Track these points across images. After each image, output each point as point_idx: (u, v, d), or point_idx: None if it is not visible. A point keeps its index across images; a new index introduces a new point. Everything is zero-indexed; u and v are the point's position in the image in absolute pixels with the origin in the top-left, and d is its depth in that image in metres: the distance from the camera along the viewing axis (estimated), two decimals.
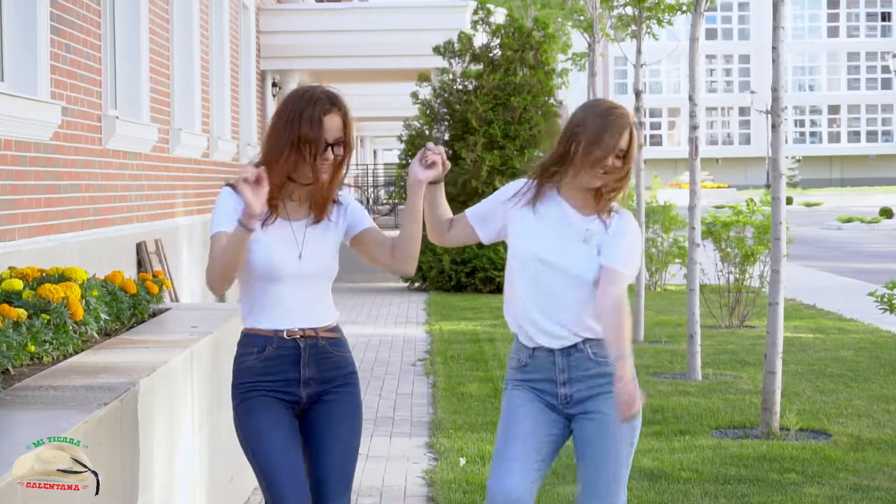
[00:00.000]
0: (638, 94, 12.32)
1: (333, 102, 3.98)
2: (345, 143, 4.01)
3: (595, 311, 4.08)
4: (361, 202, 25.51)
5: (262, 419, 4.00)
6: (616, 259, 4.08)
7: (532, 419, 4.13)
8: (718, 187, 69.12)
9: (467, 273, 17.97)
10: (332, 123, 3.96)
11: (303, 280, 4.06)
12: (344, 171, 4.07)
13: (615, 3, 13.73)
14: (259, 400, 4.02)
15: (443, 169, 4.08)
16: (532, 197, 4.17)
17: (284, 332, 4.03)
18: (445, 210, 4.30)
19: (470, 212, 4.29)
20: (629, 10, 13.12)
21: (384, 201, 26.61)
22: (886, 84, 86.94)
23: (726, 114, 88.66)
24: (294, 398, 4.06)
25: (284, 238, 4.03)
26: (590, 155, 4.06)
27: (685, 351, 10.38)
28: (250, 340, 4.05)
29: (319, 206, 4.07)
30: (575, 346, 4.11)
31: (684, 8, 12.04)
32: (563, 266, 4.10)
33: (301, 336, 4.04)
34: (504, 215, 4.21)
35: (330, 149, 3.97)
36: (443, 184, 4.23)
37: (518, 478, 4.04)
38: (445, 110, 18.62)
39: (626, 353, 3.92)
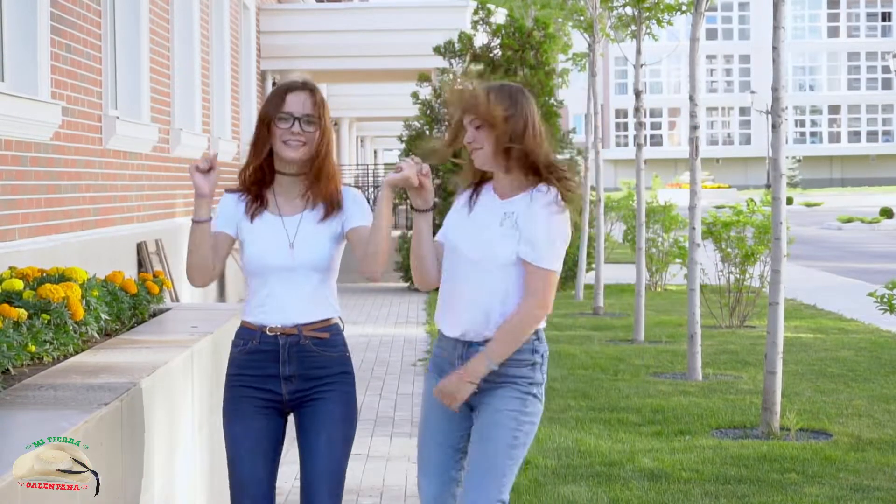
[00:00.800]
0: (638, 94, 12.32)
1: (302, 82, 4.09)
2: (320, 123, 4.05)
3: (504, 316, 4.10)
4: None
5: (235, 423, 4.13)
6: (532, 252, 4.08)
7: (445, 420, 4.22)
8: (719, 187, 69.13)
9: None
10: (296, 99, 4.04)
11: (295, 273, 4.08)
12: (323, 152, 4.08)
13: (615, 4, 13.73)
14: (240, 403, 4.12)
15: (423, 191, 4.06)
16: (469, 196, 4.24)
17: (267, 328, 4.09)
18: (430, 249, 4.24)
19: (439, 237, 4.28)
20: (629, 10, 13.11)
21: None
22: (887, 84, 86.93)
23: (726, 114, 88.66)
24: (275, 395, 4.10)
25: (274, 230, 4.09)
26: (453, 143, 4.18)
27: (685, 351, 10.38)
28: (240, 333, 4.18)
29: (315, 192, 4.10)
30: (474, 344, 4.14)
31: (684, 8, 12.03)
32: (468, 254, 4.12)
33: (281, 333, 4.08)
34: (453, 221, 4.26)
35: (296, 122, 4.02)
36: (431, 215, 4.17)
37: (436, 484, 4.22)
38: (445, 110, 18.61)
39: (491, 359, 4.04)
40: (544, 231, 4.07)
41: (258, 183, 4.12)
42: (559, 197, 4.07)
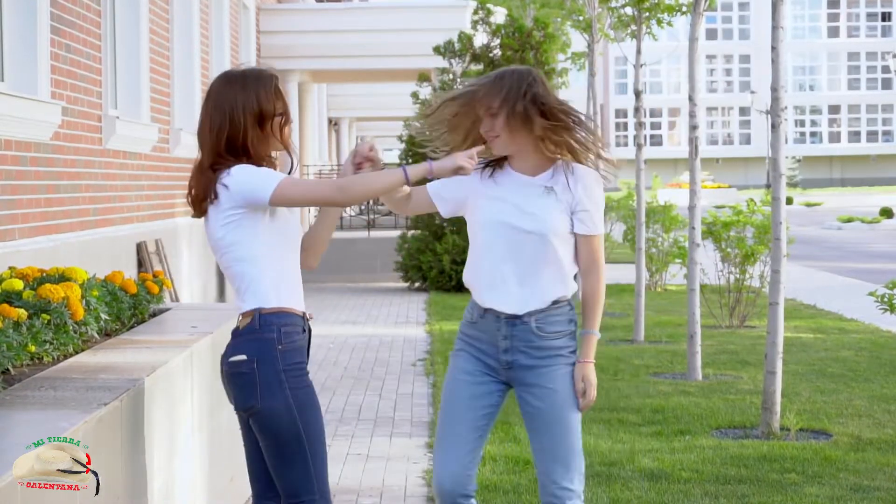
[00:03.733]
0: (638, 94, 12.32)
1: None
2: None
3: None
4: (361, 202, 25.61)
5: (320, 414, 4.01)
6: (586, 225, 4.31)
7: (469, 396, 4.31)
8: (719, 187, 69.12)
9: None
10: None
11: (298, 250, 4.11)
12: None
13: (614, 4, 13.73)
14: (313, 391, 4.01)
15: (374, 164, 4.16)
16: (491, 171, 4.32)
17: (307, 315, 4.06)
18: (402, 191, 4.38)
19: (430, 186, 4.40)
20: (629, 10, 13.11)
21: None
22: (886, 84, 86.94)
23: (726, 114, 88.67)
24: None
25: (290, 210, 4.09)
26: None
27: (685, 351, 10.38)
28: (292, 320, 3.98)
29: None
30: (520, 317, 4.23)
31: (684, 9, 12.03)
32: (521, 225, 4.23)
33: (310, 318, 4.10)
34: (464, 189, 4.33)
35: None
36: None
37: (457, 464, 4.27)
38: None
39: (596, 332, 4.22)
40: (595, 203, 4.32)
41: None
42: (599, 172, 4.33)
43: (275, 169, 4.03)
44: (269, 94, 4.01)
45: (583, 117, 4.28)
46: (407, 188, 4.33)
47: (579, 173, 4.27)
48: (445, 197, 4.35)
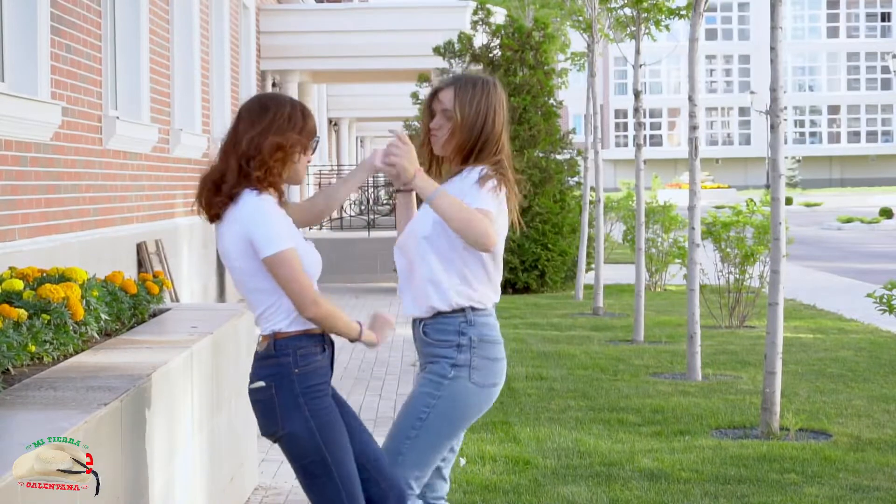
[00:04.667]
0: (637, 94, 12.32)
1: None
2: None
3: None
4: (362, 202, 25.58)
5: (343, 432, 4.06)
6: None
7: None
8: (718, 187, 69.10)
9: None
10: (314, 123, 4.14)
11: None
12: None
13: (613, 5, 13.73)
14: (334, 410, 4.05)
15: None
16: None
17: (329, 335, 4.10)
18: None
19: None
20: (627, 11, 13.12)
21: (384, 201, 26.59)
22: (886, 84, 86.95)
23: (726, 114, 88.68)
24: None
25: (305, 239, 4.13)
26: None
27: (685, 351, 10.38)
28: (311, 341, 4.00)
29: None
30: (420, 320, 4.33)
31: (682, 12, 12.03)
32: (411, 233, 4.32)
33: (331, 342, 4.14)
34: None
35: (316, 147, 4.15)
36: (414, 195, 4.41)
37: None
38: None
39: (435, 192, 4.14)
40: (471, 187, 4.23)
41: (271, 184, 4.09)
42: (486, 171, 4.27)
43: (280, 195, 4.05)
44: (297, 125, 4.03)
45: None
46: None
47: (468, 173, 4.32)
48: None
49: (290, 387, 3.94)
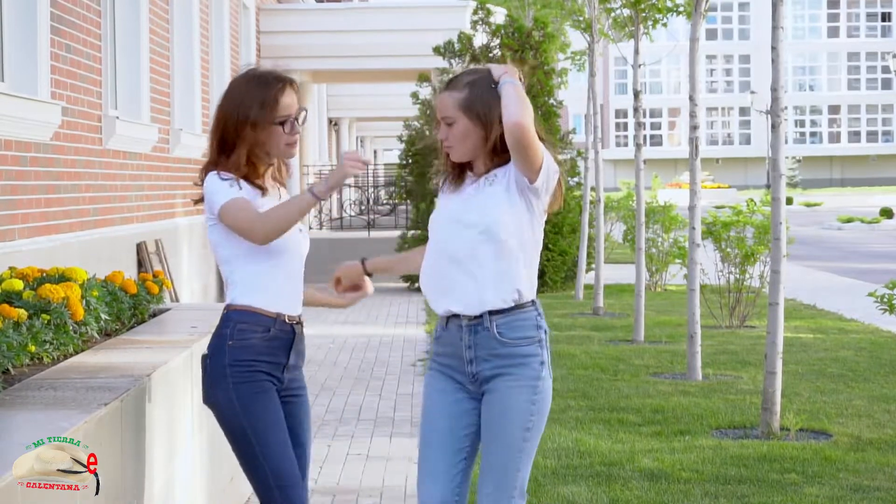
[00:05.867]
0: (637, 94, 12.32)
1: (290, 78, 4.19)
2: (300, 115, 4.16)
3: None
4: (361, 202, 25.59)
5: (270, 409, 4.02)
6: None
7: (446, 417, 4.06)
8: (718, 187, 69.10)
9: None
10: (290, 100, 4.11)
11: (300, 258, 4.16)
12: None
13: (612, 5, 13.73)
14: (266, 387, 4.03)
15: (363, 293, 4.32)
16: (451, 182, 4.13)
17: (286, 317, 4.08)
18: (409, 261, 4.40)
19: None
20: (626, 11, 13.11)
21: (384, 201, 26.59)
22: (886, 84, 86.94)
23: (726, 114, 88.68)
24: (278, 383, 4.12)
25: None
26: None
27: (685, 351, 10.38)
28: (253, 318, 4.04)
29: (277, 182, 4.21)
30: (480, 319, 3.96)
31: (681, 9, 12.03)
32: (469, 221, 3.98)
33: (297, 322, 4.12)
34: None
35: (294, 123, 4.12)
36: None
37: (441, 489, 4.04)
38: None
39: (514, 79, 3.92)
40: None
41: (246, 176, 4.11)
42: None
43: (260, 177, 4.09)
44: (269, 99, 4.03)
45: None
46: (417, 260, 4.22)
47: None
48: None
49: (221, 358, 4.04)
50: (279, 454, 4.03)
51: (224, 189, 4.02)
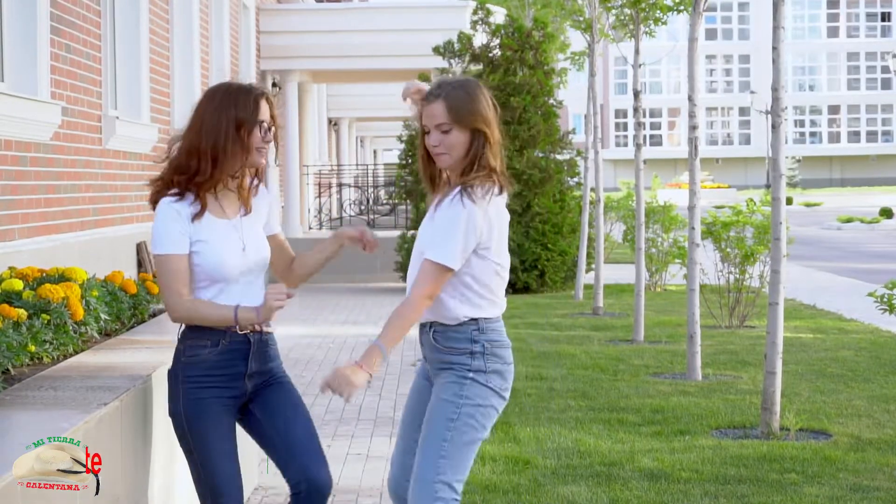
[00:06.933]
0: (636, 94, 12.32)
1: (262, 89, 4.18)
2: (274, 125, 4.17)
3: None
4: (361, 202, 25.58)
5: (212, 425, 4.09)
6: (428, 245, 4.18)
7: (409, 409, 4.43)
8: (718, 187, 69.12)
9: None
10: (265, 106, 4.13)
11: (249, 274, 4.18)
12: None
13: (613, 4, 13.73)
14: (211, 404, 4.10)
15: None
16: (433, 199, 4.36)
17: (237, 328, 4.12)
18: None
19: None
20: (626, 10, 13.12)
21: (384, 201, 26.59)
22: (886, 84, 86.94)
23: (726, 114, 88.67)
24: (239, 392, 4.16)
25: (226, 234, 4.14)
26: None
27: (685, 351, 10.38)
28: (201, 335, 4.12)
29: (246, 197, 4.21)
30: (426, 327, 4.29)
31: (681, 7, 12.03)
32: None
33: (251, 331, 4.15)
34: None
35: (269, 130, 4.13)
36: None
37: (395, 471, 4.39)
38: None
39: (381, 344, 4.09)
40: (439, 225, 4.18)
41: (199, 185, 4.11)
42: (462, 194, 4.13)
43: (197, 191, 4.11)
44: (246, 111, 4.07)
45: None
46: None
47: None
48: None
49: (175, 372, 4.14)
50: (218, 468, 4.12)
51: (162, 232, 4.10)
